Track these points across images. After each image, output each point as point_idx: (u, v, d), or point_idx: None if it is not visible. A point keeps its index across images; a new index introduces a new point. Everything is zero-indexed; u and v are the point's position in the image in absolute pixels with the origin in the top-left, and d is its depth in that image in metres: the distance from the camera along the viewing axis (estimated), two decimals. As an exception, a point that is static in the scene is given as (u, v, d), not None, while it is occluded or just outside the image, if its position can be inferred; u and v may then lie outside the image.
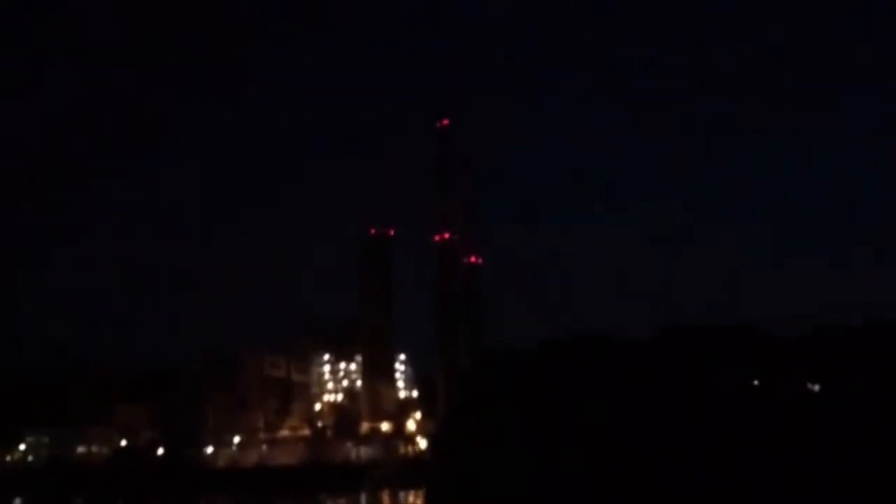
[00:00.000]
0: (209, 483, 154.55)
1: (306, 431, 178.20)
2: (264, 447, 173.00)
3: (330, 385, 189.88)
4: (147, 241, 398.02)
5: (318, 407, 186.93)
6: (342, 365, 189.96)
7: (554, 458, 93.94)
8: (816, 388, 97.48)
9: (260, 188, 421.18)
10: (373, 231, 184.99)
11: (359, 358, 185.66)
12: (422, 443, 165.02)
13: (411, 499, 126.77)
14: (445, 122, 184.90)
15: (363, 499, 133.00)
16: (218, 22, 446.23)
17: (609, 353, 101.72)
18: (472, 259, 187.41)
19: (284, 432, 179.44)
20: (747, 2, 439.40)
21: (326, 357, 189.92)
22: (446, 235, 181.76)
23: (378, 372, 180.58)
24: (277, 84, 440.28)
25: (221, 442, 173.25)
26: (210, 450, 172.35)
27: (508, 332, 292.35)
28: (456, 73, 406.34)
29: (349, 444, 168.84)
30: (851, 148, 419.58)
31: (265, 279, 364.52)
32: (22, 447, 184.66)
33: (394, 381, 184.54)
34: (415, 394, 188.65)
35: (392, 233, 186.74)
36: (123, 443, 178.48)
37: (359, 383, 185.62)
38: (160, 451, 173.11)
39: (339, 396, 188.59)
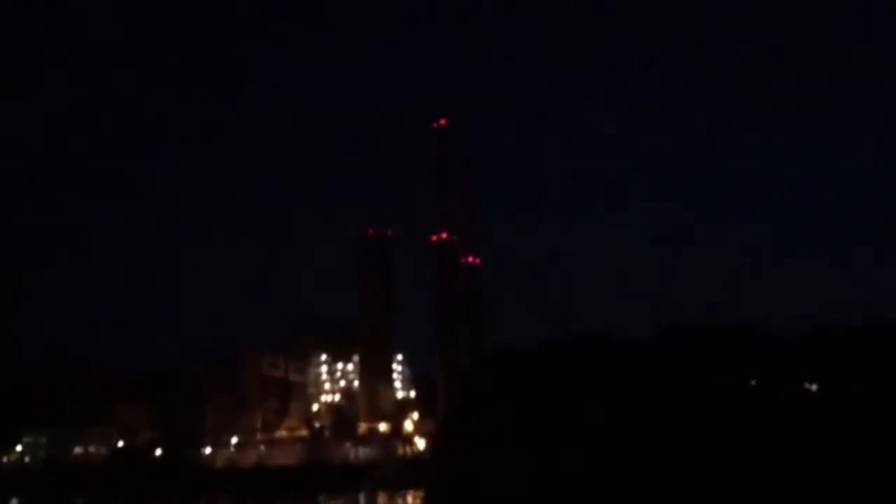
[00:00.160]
0: (208, 483, 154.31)
1: (304, 432, 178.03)
2: (262, 447, 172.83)
3: (327, 385, 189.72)
4: (147, 241, 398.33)
5: (315, 407, 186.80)
6: (339, 365, 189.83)
7: (554, 458, 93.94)
8: (814, 387, 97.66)
9: (260, 188, 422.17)
10: (372, 231, 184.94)
11: (356, 358, 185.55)
12: (420, 443, 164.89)
13: (410, 499, 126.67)
14: (443, 121, 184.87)
15: (362, 499, 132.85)
16: (218, 22, 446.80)
17: (609, 353, 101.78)
18: (471, 259, 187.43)
19: (282, 432, 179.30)
20: (747, 2, 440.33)
21: (324, 357, 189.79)
22: (444, 235, 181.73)
23: (376, 372, 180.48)
24: (277, 84, 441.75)
25: (220, 442, 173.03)
26: (209, 450, 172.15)
27: (508, 332, 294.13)
28: (456, 73, 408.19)
29: (347, 445, 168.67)
30: (851, 148, 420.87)
31: (265, 279, 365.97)
32: (19, 447, 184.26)
33: (391, 381, 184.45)
34: (412, 394, 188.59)
35: (392, 233, 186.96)
36: (121, 443, 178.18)
37: (356, 383, 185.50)
38: (159, 451, 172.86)
39: (337, 397, 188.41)
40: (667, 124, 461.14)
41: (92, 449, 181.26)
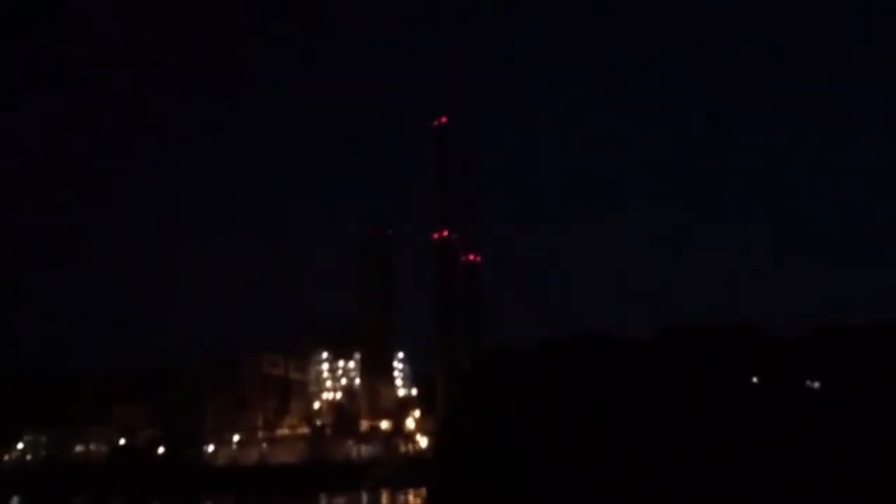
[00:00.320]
0: (209, 482, 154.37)
1: (305, 430, 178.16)
2: (264, 446, 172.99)
3: (328, 383, 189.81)
4: (147, 241, 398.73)
5: (316, 405, 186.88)
6: (340, 363, 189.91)
7: (554, 458, 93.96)
8: (816, 384, 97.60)
9: (260, 188, 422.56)
10: (372, 231, 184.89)
11: (357, 356, 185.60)
12: (422, 441, 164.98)
13: (412, 498, 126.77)
14: (443, 119, 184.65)
15: (364, 497, 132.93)
16: (218, 22, 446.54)
17: (609, 353, 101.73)
18: (471, 257, 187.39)
19: (283, 431, 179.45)
20: (747, 2, 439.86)
21: (325, 355, 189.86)
22: (445, 233, 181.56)
23: (377, 370, 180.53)
24: (277, 84, 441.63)
25: (221, 441, 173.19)
26: (210, 448, 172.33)
27: (508, 331, 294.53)
28: (456, 73, 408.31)
29: (350, 443, 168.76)
30: (851, 148, 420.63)
31: (265, 279, 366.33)
32: (20, 446, 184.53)
33: (392, 379, 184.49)
34: (414, 392, 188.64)
35: (391, 233, 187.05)
36: (122, 442, 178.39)
37: (357, 382, 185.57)
38: (160, 450, 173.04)
39: (338, 395, 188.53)
40: (667, 124, 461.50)
41: (92, 448, 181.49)
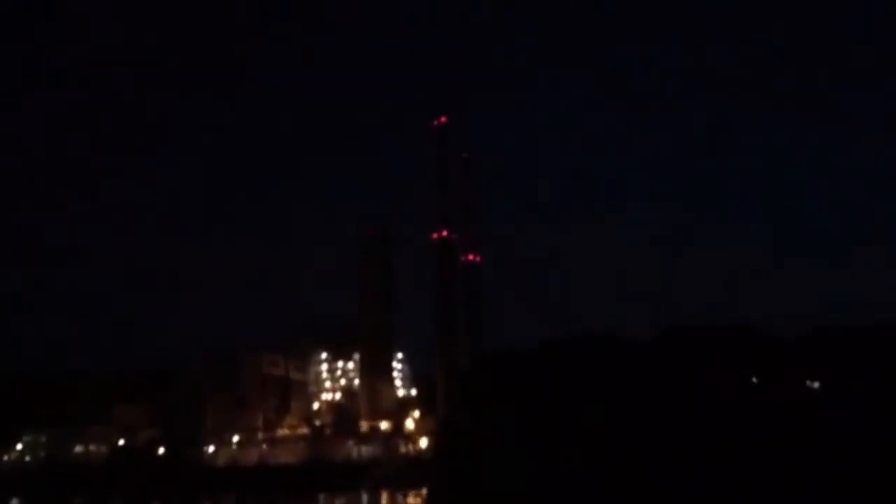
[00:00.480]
0: (210, 482, 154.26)
1: (305, 430, 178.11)
2: (264, 446, 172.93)
3: (328, 384, 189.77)
4: (147, 241, 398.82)
5: (316, 406, 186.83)
6: (340, 363, 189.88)
7: (554, 458, 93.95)
8: (816, 384, 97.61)
9: (260, 188, 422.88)
10: (372, 231, 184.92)
11: (357, 356, 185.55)
12: (422, 441, 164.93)
13: (411, 499, 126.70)
14: (443, 119, 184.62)
15: (364, 498, 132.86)
16: (218, 22, 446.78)
17: (609, 353, 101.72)
18: (471, 257, 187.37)
19: (283, 431, 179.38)
20: (747, 2, 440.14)
21: (324, 355, 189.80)
22: (444, 233, 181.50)
23: (376, 370, 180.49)
24: (277, 84, 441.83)
25: (221, 441, 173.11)
26: (211, 449, 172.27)
27: (508, 332, 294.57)
28: (456, 73, 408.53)
29: (350, 443, 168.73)
30: (851, 148, 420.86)
31: (265, 279, 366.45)
32: (19, 447, 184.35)
33: (392, 379, 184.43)
34: (413, 392, 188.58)
35: (391, 232, 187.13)
36: (121, 442, 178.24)
37: (356, 382, 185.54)
38: (160, 450, 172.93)
39: (338, 395, 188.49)
40: (667, 124, 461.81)
41: (92, 448, 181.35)
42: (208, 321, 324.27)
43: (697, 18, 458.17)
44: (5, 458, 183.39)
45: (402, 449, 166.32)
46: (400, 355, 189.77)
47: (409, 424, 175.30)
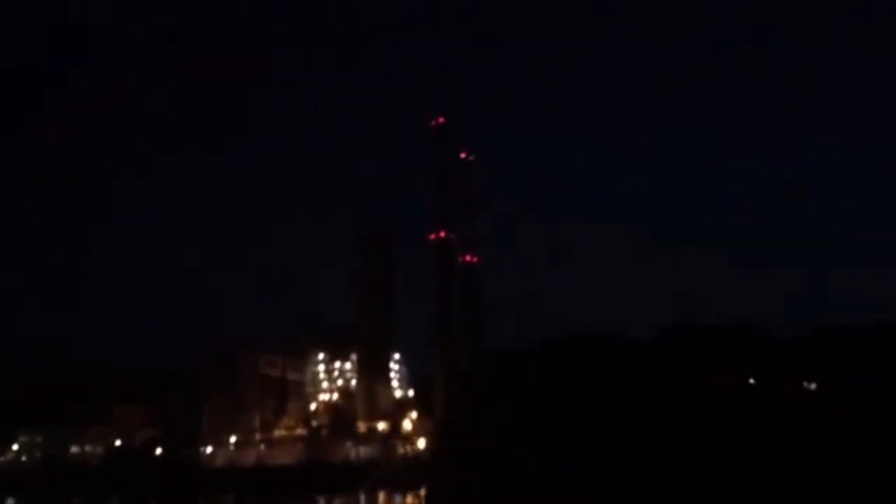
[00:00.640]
0: (208, 483, 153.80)
1: (301, 431, 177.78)
2: (262, 447, 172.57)
3: (325, 384, 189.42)
4: (147, 241, 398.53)
5: (313, 406, 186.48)
6: (337, 364, 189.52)
7: (554, 458, 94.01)
8: (813, 386, 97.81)
9: (260, 188, 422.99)
10: (372, 231, 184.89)
11: (354, 357, 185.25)
12: (420, 442, 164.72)
13: (410, 500, 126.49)
14: (441, 119, 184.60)
15: (362, 499, 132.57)
16: (218, 22, 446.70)
17: (609, 353, 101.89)
18: (469, 258, 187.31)
19: (280, 432, 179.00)
20: (747, 2, 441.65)
21: (321, 356, 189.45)
22: (442, 234, 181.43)
23: (374, 371, 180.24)
24: (277, 84, 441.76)
25: (219, 442, 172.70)
26: (209, 450, 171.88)
27: (508, 332, 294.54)
28: (456, 73, 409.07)
29: (348, 444, 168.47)
30: (851, 148, 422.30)
31: (265, 279, 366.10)
32: (15, 447, 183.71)
33: (389, 380, 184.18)
34: (410, 393, 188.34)
35: (391, 232, 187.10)
36: (118, 442, 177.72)
37: (353, 382, 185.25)
38: (158, 450, 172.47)
39: (335, 396, 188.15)
40: (667, 123, 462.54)
41: (88, 448, 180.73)
42: (208, 321, 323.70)
43: (697, 18, 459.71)
44: (1, 458, 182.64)
45: (400, 450, 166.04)
46: (397, 356, 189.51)
47: (407, 425, 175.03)
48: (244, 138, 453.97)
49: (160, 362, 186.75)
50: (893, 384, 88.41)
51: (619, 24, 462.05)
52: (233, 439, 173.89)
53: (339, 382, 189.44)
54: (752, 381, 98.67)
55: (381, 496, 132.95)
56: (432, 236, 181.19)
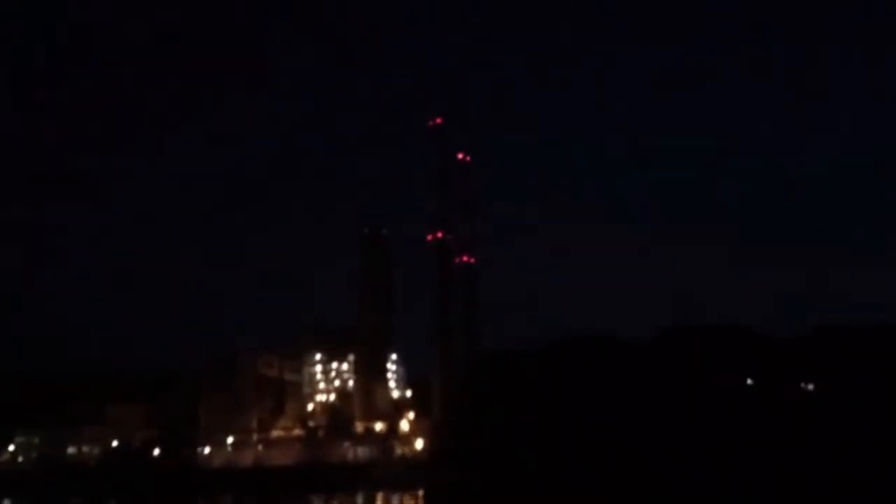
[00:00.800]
0: (206, 483, 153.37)
1: (298, 431, 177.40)
2: (260, 447, 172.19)
3: (322, 385, 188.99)
4: (147, 241, 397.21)
5: (310, 407, 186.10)
6: (334, 365, 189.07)
7: (554, 457, 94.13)
8: (810, 387, 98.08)
9: (260, 188, 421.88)
10: (371, 231, 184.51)
11: (351, 357, 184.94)
12: (417, 443, 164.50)
13: (408, 500, 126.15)
14: (438, 120, 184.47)
15: (360, 499, 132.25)
16: (218, 22, 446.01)
17: (609, 353, 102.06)
18: (465, 258, 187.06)
19: (278, 432, 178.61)
20: (747, 2, 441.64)
21: (318, 357, 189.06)
22: (439, 234, 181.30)
23: (371, 371, 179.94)
24: (278, 84, 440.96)
25: (217, 442, 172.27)
26: (207, 450, 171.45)
27: (507, 331, 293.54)
28: (456, 73, 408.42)
29: (346, 444, 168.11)
30: (851, 147, 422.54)
31: (264, 279, 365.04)
32: (12, 447, 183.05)
33: (386, 381, 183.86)
34: (408, 393, 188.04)
35: (391, 232, 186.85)
36: (115, 443, 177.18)
37: (351, 383, 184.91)
38: (156, 451, 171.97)
39: (332, 396, 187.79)
40: (667, 123, 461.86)
41: (85, 449, 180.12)
42: (208, 321, 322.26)
43: (697, 18, 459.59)
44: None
45: (398, 450, 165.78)
46: (394, 356, 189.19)
47: (404, 425, 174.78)
48: (244, 137, 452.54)
49: (159, 363, 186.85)
50: (893, 384, 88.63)
51: (619, 24, 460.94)
52: (230, 440, 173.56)
53: (337, 383, 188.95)
54: (751, 381, 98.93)
55: (380, 496, 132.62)
56: (429, 237, 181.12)
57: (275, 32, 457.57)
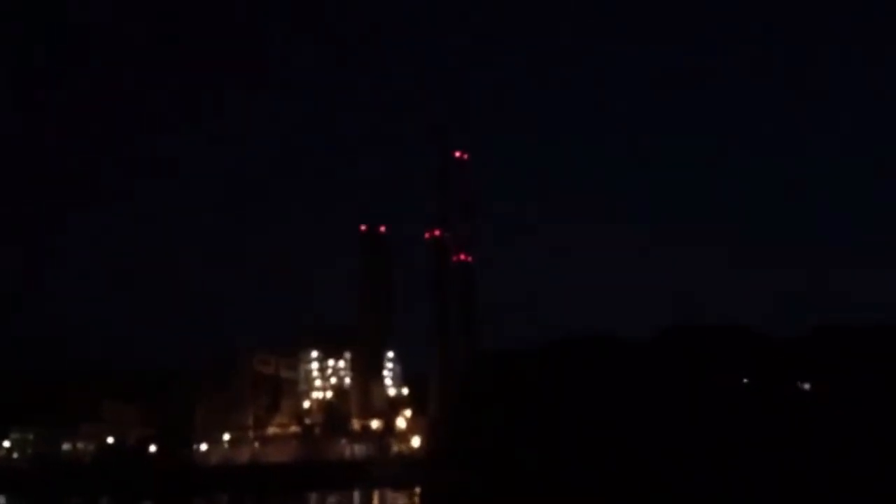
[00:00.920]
0: (203, 481, 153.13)
1: (295, 428, 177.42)
2: (256, 444, 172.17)
3: (318, 382, 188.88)
4: (147, 241, 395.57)
5: (306, 404, 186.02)
6: (331, 362, 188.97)
7: (554, 457, 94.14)
8: (807, 386, 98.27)
9: (259, 188, 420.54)
10: (371, 230, 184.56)
11: (348, 355, 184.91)
12: (414, 440, 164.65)
13: (405, 499, 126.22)
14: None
15: (356, 497, 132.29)
16: (218, 22, 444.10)
17: (609, 353, 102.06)
18: (462, 256, 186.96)
19: (273, 429, 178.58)
20: (747, 2, 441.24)
21: (315, 354, 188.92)
22: (437, 233, 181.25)
23: (368, 369, 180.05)
24: (278, 84, 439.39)
25: (213, 439, 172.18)
26: (204, 447, 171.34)
27: (507, 331, 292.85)
28: (456, 73, 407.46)
29: (343, 442, 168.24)
30: (852, 147, 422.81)
31: (264, 278, 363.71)
32: (7, 444, 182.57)
33: (383, 378, 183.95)
34: (405, 391, 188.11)
35: (390, 231, 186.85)
36: (111, 440, 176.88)
37: (347, 380, 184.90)
38: (152, 448, 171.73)
39: (328, 394, 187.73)
40: (667, 123, 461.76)
41: (80, 446, 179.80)
42: (206, 321, 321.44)
43: (697, 18, 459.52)
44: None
45: (395, 448, 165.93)
46: (391, 354, 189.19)
47: (401, 423, 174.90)
48: (243, 137, 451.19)
49: (158, 362, 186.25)
50: (893, 384, 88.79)
51: (619, 24, 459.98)
52: (226, 437, 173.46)
53: (333, 380, 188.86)
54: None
55: (376, 495, 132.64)
56: (427, 236, 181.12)
57: (275, 32, 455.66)
